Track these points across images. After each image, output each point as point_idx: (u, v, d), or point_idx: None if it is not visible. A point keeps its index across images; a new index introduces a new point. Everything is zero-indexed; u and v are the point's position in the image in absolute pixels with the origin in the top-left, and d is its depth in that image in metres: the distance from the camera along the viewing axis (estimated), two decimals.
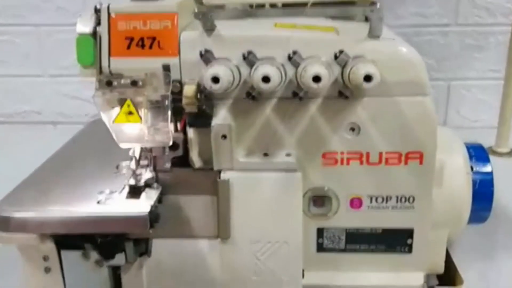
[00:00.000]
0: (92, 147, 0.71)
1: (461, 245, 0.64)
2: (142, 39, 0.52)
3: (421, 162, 0.55)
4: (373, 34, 0.52)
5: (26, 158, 0.71)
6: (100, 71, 0.53)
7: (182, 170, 0.56)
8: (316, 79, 0.48)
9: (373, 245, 0.59)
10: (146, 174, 0.56)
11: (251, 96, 0.52)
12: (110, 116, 0.53)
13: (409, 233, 0.58)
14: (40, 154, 0.69)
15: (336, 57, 0.52)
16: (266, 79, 0.49)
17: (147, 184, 0.55)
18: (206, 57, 0.52)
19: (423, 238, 0.58)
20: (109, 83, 0.52)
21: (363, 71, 0.48)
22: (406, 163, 0.55)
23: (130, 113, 0.53)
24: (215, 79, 0.49)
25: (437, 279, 0.63)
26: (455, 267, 0.64)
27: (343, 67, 0.52)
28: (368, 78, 0.48)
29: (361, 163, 0.56)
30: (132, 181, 0.55)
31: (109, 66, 0.53)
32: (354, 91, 0.52)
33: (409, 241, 0.59)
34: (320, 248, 0.60)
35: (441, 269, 0.62)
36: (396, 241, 0.59)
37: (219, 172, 0.55)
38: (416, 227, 0.58)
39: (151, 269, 0.57)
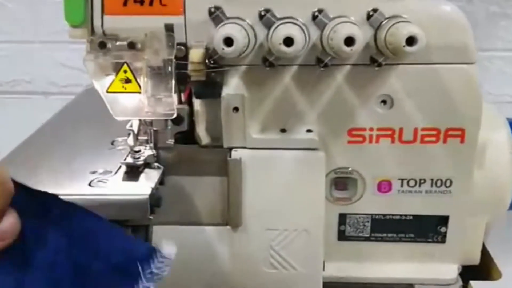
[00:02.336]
0: (85, 119, 0.65)
1: (498, 233, 0.57)
2: None
3: (462, 141, 0.49)
4: None
5: (15, 131, 0.63)
6: (92, 31, 0.47)
7: (187, 147, 0.51)
8: (349, 41, 0.41)
9: (401, 234, 0.53)
10: (146, 152, 0.49)
11: (268, 62, 0.46)
12: (104, 84, 0.46)
13: (443, 220, 0.52)
14: (30, 126, 0.63)
15: (368, 17, 0.45)
16: (288, 41, 0.41)
17: (147, 163, 0.49)
18: (216, 15, 0.45)
19: (459, 226, 0.52)
20: (102, 45, 0.46)
21: (406, 32, 0.41)
22: (445, 141, 0.49)
23: (127, 80, 0.46)
24: (228, 41, 0.42)
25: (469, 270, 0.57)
26: (491, 258, 0.57)
27: (377, 28, 0.45)
28: (411, 40, 0.41)
29: (393, 141, 0.49)
30: (129, 160, 0.48)
31: (102, 25, 0.46)
32: (391, 57, 0.44)
33: (443, 229, 0.53)
34: (342, 236, 0.54)
35: (476, 260, 0.56)
36: (428, 229, 0.53)
37: (230, 150, 0.49)
38: (452, 214, 0.52)
39: None
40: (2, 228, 0.30)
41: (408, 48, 0.41)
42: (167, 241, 0.34)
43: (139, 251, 0.33)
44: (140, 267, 0.32)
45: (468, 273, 0.56)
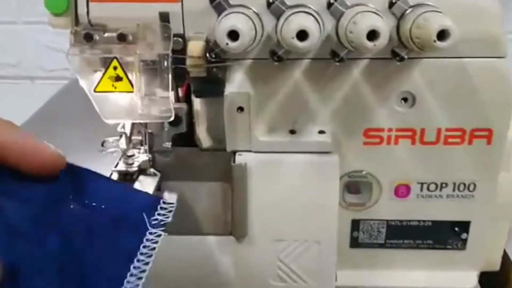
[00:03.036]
0: (73, 114, 0.60)
1: None
2: None
3: (489, 142, 0.45)
4: None
5: None
6: (77, 21, 0.42)
7: (186, 150, 0.47)
8: (372, 35, 0.36)
9: (419, 240, 0.50)
10: (140, 156, 0.44)
11: (276, 56, 0.41)
12: (91, 82, 0.41)
13: (464, 226, 0.49)
14: (16, 114, 0.58)
15: (391, 5, 0.40)
16: (302, 34, 0.37)
17: (141, 170, 0.44)
18: (218, 3, 0.41)
19: (481, 232, 0.49)
20: (88, 37, 0.41)
21: (437, 24, 0.36)
22: (470, 142, 0.45)
23: (118, 78, 0.41)
24: (233, 34, 0.37)
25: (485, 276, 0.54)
26: (511, 264, 0.54)
27: (400, 18, 0.40)
28: (442, 34, 0.36)
29: (413, 142, 0.45)
30: (121, 166, 0.44)
31: (88, 14, 0.42)
32: (415, 51, 0.40)
33: (463, 235, 0.49)
34: (354, 243, 0.50)
35: (496, 266, 0.53)
36: (447, 235, 0.49)
37: (234, 153, 0.45)
38: (474, 219, 0.48)
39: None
40: None
41: (439, 44, 0.36)
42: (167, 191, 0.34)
43: (141, 202, 0.33)
44: (145, 217, 0.32)
45: (484, 279, 0.52)
